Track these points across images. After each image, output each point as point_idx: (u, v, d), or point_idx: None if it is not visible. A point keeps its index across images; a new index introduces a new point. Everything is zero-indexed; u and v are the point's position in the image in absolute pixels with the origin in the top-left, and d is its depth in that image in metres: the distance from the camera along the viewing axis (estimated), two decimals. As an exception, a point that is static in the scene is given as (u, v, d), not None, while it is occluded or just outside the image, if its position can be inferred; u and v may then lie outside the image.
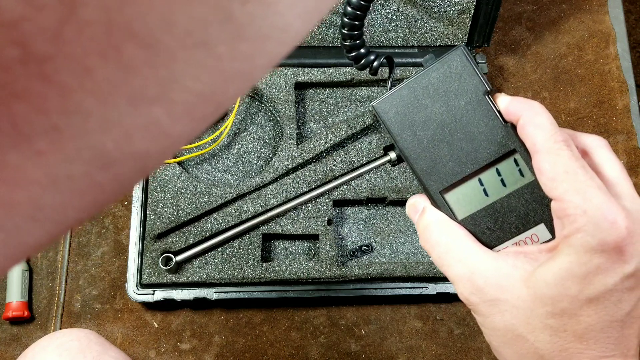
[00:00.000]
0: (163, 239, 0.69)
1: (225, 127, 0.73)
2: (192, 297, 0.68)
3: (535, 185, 0.34)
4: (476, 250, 0.34)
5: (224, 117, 0.75)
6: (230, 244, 0.69)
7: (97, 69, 0.11)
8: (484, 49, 0.84)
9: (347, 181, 0.72)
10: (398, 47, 0.77)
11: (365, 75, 0.76)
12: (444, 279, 0.69)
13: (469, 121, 0.34)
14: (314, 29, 0.75)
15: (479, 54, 0.77)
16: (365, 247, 0.73)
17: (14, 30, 0.10)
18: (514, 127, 0.34)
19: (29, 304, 0.72)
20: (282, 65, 0.76)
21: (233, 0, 0.12)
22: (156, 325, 0.72)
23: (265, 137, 0.77)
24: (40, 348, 0.49)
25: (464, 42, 0.76)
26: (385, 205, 0.75)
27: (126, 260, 0.69)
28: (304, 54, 0.75)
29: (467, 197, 0.35)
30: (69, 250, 0.74)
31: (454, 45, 0.35)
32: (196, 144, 0.73)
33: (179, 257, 0.68)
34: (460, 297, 0.33)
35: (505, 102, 0.34)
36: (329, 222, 0.71)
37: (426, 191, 0.36)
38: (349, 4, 0.36)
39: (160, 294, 0.67)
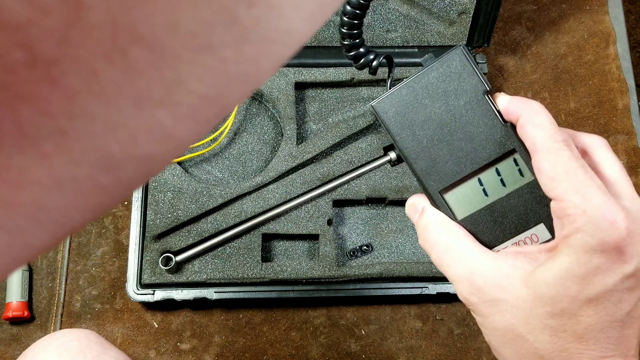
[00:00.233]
0: (163, 239, 0.69)
1: (225, 127, 0.73)
2: (192, 297, 0.68)
3: (534, 185, 0.34)
4: (476, 250, 0.34)
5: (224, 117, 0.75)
6: (230, 244, 0.69)
7: (103, 71, 0.11)
8: (484, 49, 0.84)
9: (347, 181, 0.72)
10: (398, 47, 0.77)
11: (365, 75, 0.76)
12: (444, 279, 0.69)
13: (468, 121, 0.34)
14: (314, 29, 0.74)
15: (479, 54, 0.77)
16: (365, 247, 0.73)
17: (21, 33, 0.10)
18: (513, 126, 0.34)
19: (29, 304, 0.72)
20: (282, 65, 0.76)
21: (238, 3, 0.12)
22: (156, 325, 0.72)
23: (265, 137, 0.77)
24: (40, 348, 0.49)
25: (464, 42, 0.76)
26: (385, 205, 0.75)
27: (126, 260, 0.69)
28: (304, 54, 0.75)
29: (466, 197, 0.35)
30: (69, 250, 0.74)
31: (454, 45, 0.35)
32: (196, 144, 0.73)
33: (179, 257, 0.68)
34: (460, 297, 0.33)
35: (504, 102, 0.34)
36: (329, 222, 0.71)
37: (426, 191, 0.36)
38: (348, 3, 0.36)
39: (160, 294, 0.68)
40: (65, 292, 0.73)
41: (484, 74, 0.76)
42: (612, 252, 0.28)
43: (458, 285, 0.33)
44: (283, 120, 0.74)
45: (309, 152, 0.72)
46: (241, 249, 0.69)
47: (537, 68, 0.85)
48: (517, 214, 0.34)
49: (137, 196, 0.70)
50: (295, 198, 0.71)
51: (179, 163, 0.73)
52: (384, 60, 0.39)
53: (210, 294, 0.68)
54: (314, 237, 0.72)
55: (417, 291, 0.69)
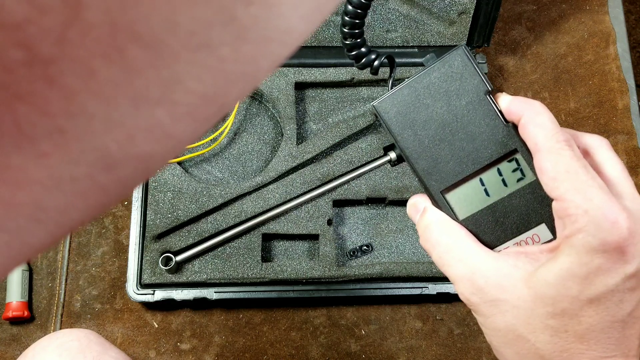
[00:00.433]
0: (163, 239, 0.69)
1: (225, 127, 0.73)
2: (192, 297, 0.68)
3: (536, 185, 0.34)
4: (477, 250, 0.34)
5: (224, 117, 0.75)
6: (230, 244, 0.69)
7: (101, 71, 0.11)
8: (484, 49, 0.84)
9: (347, 181, 0.72)
10: (398, 47, 0.77)
11: (365, 75, 0.76)
12: (444, 279, 0.69)
13: (470, 121, 0.34)
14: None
15: (479, 54, 0.77)
16: (365, 247, 0.73)
17: (19, 32, 0.10)
18: (515, 126, 0.34)
19: (29, 304, 0.72)
20: (282, 65, 0.76)
21: (236, 2, 0.12)
22: (156, 325, 0.72)
23: (265, 137, 0.77)
24: (40, 348, 0.49)
25: (464, 42, 0.76)
26: (385, 205, 0.75)
27: (126, 260, 0.69)
28: (304, 54, 0.75)
29: (468, 197, 0.35)
30: (69, 250, 0.74)
31: (454, 45, 0.35)
32: (196, 144, 0.73)
33: (179, 257, 0.68)
34: (461, 297, 0.33)
35: (506, 102, 0.34)
36: (329, 222, 0.71)
37: (427, 191, 0.36)
38: (350, 2, 0.36)
39: (160, 294, 0.67)
40: (65, 292, 0.73)
41: (485, 74, 0.76)
42: (613, 252, 0.28)
43: (459, 286, 0.33)
44: (283, 120, 0.74)
45: (309, 152, 0.72)
46: (241, 249, 0.69)
47: (537, 68, 0.85)
48: (519, 214, 0.34)
49: (137, 196, 0.70)
50: (295, 198, 0.71)
51: (179, 163, 0.73)
52: (386, 60, 0.39)
53: (210, 294, 0.68)
54: (314, 237, 0.72)
55: (417, 291, 0.69)
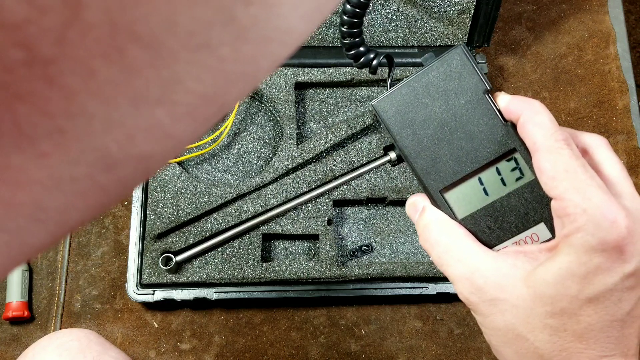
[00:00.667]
0: (163, 239, 0.69)
1: (225, 127, 0.73)
2: (192, 297, 0.68)
3: (535, 185, 0.34)
4: (476, 249, 0.34)
5: (224, 117, 0.75)
6: (230, 244, 0.69)
7: (101, 71, 0.11)
8: (484, 49, 0.84)
9: (347, 181, 0.72)
10: (398, 47, 0.77)
11: (365, 75, 0.76)
12: (444, 279, 0.69)
13: (468, 120, 0.34)
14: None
15: (479, 54, 0.77)
16: (365, 247, 0.73)
17: (19, 32, 0.10)
18: (514, 126, 0.34)
19: (29, 304, 0.72)
20: (282, 65, 0.76)
21: (236, 2, 0.12)
22: (156, 325, 0.72)
23: (265, 137, 0.77)
24: (40, 348, 0.49)
25: (464, 42, 0.76)
26: (385, 205, 0.75)
27: (126, 260, 0.69)
28: (304, 54, 0.75)
29: (467, 197, 0.35)
30: (69, 250, 0.74)
31: (455, 45, 0.35)
32: (196, 144, 0.73)
33: (179, 257, 0.68)
34: (460, 296, 0.33)
35: (505, 101, 0.34)
36: (329, 222, 0.71)
37: (426, 190, 0.36)
38: (348, 2, 0.36)
39: (160, 294, 0.68)
40: (65, 292, 0.73)
41: (484, 73, 0.76)
42: (612, 251, 0.28)
43: (458, 285, 0.33)
44: (283, 120, 0.74)
45: (309, 152, 0.72)
46: (241, 249, 0.69)
47: (537, 68, 0.85)
48: (518, 214, 0.34)
49: (137, 196, 0.70)
50: (295, 198, 0.71)
51: (179, 163, 0.73)
52: (384, 60, 0.39)
53: (210, 294, 0.68)
54: (314, 237, 0.72)
55: (417, 291, 0.69)
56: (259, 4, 0.12)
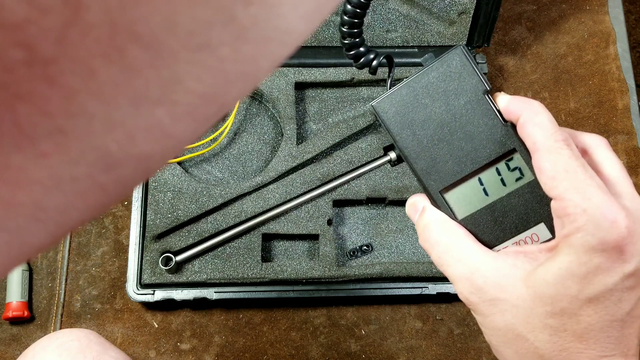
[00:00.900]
0: (163, 239, 0.69)
1: (225, 127, 0.73)
2: (192, 297, 0.68)
3: (535, 185, 0.34)
4: (476, 249, 0.34)
5: (224, 117, 0.75)
6: (230, 244, 0.69)
7: (101, 71, 0.11)
8: (484, 49, 0.84)
9: (347, 181, 0.72)
10: (398, 47, 0.77)
11: (365, 75, 0.76)
12: (444, 279, 0.69)
13: (468, 120, 0.34)
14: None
15: (479, 54, 0.77)
16: (365, 247, 0.73)
17: (19, 32, 0.10)
18: (513, 126, 0.34)
19: (29, 304, 0.72)
20: (282, 65, 0.76)
21: (236, 2, 0.12)
22: (156, 325, 0.72)
23: (265, 137, 0.77)
24: (40, 348, 0.49)
25: (464, 42, 0.76)
26: (385, 205, 0.75)
27: (126, 260, 0.69)
28: (304, 54, 0.75)
29: (467, 197, 0.35)
30: (69, 250, 0.74)
31: (454, 45, 0.35)
32: (196, 144, 0.73)
33: (179, 257, 0.68)
34: (460, 296, 0.33)
35: (505, 101, 0.34)
36: (329, 222, 0.71)
37: (426, 191, 0.36)
38: (349, 2, 0.36)
39: (160, 294, 0.68)
40: (65, 292, 0.73)
41: (484, 74, 0.76)
42: (612, 251, 0.28)
43: (458, 285, 0.33)
44: (283, 120, 0.74)
45: (309, 152, 0.72)
46: (241, 249, 0.69)
47: (537, 68, 0.85)
48: (518, 214, 0.34)
49: (137, 196, 0.70)
50: (295, 198, 0.71)
51: (179, 163, 0.73)
52: (384, 60, 0.39)
53: (210, 294, 0.68)
54: (314, 237, 0.72)
55: (417, 291, 0.69)
56: (259, 4, 0.12)
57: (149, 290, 0.68)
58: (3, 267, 0.14)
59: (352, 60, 0.39)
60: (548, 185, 0.30)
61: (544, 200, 0.33)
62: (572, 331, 0.30)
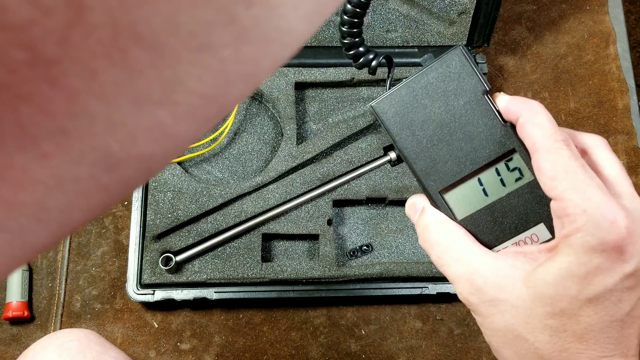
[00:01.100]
0: (163, 239, 0.69)
1: (225, 127, 0.73)
2: (192, 297, 0.68)
3: (534, 185, 0.34)
4: (475, 250, 0.34)
5: (224, 117, 0.75)
6: (230, 244, 0.69)
7: (103, 71, 0.11)
8: (484, 49, 0.84)
9: (347, 181, 0.72)
10: (398, 47, 0.77)
11: (365, 75, 0.76)
12: (444, 279, 0.69)
13: (468, 121, 0.34)
14: (314, 29, 0.75)
15: (479, 54, 0.77)
16: (365, 247, 0.73)
17: (22, 33, 0.10)
18: (513, 126, 0.34)
19: (29, 304, 0.72)
20: (282, 65, 0.76)
21: (237, 3, 0.12)
22: (156, 325, 0.72)
23: (265, 137, 0.77)
24: (40, 348, 0.49)
25: (464, 42, 0.76)
26: (385, 205, 0.75)
27: (126, 260, 0.69)
28: (304, 54, 0.75)
29: (466, 197, 0.35)
30: (69, 250, 0.74)
31: (454, 45, 0.35)
32: (196, 144, 0.73)
33: (179, 257, 0.68)
34: (460, 297, 0.33)
35: (504, 102, 0.34)
36: (329, 222, 0.71)
37: (425, 191, 0.36)
38: (349, 2, 0.36)
39: (160, 294, 0.68)
40: (65, 292, 0.73)
41: (484, 74, 0.76)
42: (612, 251, 0.28)
43: (458, 285, 0.33)
44: (283, 120, 0.74)
45: (309, 152, 0.72)
46: (241, 249, 0.69)
47: (537, 68, 0.85)
48: (517, 214, 0.34)
49: (137, 196, 0.70)
50: (295, 198, 0.71)
51: (179, 163, 0.73)
52: (384, 60, 0.39)
53: (210, 294, 0.68)
54: (314, 237, 0.72)
55: (417, 291, 0.69)
56: (260, 5, 0.12)
57: (149, 290, 0.68)
58: (5, 268, 0.14)
59: (351, 60, 0.39)
60: (548, 186, 0.30)
61: (544, 201, 0.33)
62: (572, 332, 0.30)
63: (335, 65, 0.76)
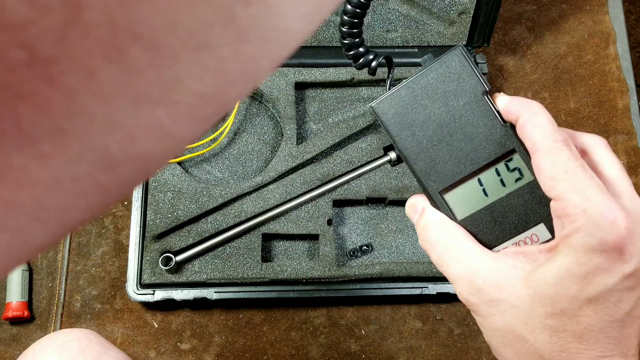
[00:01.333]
0: (163, 239, 0.69)
1: (225, 127, 0.73)
2: (192, 297, 0.68)
3: (534, 185, 0.34)
4: (475, 250, 0.34)
5: (224, 117, 0.75)
6: (230, 244, 0.69)
7: (102, 71, 0.11)
8: (484, 49, 0.84)
9: (347, 181, 0.72)
10: (398, 47, 0.77)
11: (365, 75, 0.76)
12: (444, 279, 0.69)
13: (468, 121, 0.34)
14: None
15: (479, 54, 0.77)
16: (365, 247, 0.73)
17: (20, 32, 0.10)
18: (513, 127, 0.34)
19: (29, 304, 0.72)
20: (282, 65, 0.76)
21: (236, 2, 0.12)
22: (156, 325, 0.72)
23: (265, 137, 0.77)
24: (40, 348, 0.49)
25: (464, 42, 0.76)
26: (385, 205, 0.75)
27: (126, 260, 0.69)
28: (304, 54, 0.75)
29: (466, 198, 0.35)
30: (69, 250, 0.74)
31: (453, 46, 0.35)
32: (196, 144, 0.73)
33: (179, 257, 0.68)
34: (460, 297, 0.33)
35: (504, 102, 0.34)
36: (329, 222, 0.71)
37: (425, 191, 0.36)
38: (349, 2, 0.36)
39: (160, 294, 0.68)
40: (65, 292, 0.73)
41: (484, 74, 0.76)
42: (612, 251, 0.28)
43: (458, 286, 0.33)
44: (283, 120, 0.74)
45: (309, 152, 0.72)
46: (241, 249, 0.69)
47: (537, 68, 0.85)
48: (517, 214, 0.34)
49: (137, 196, 0.70)
50: (295, 198, 0.71)
51: (179, 163, 0.73)
52: (384, 61, 0.39)
53: (210, 294, 0.68)
54: (314, 237, 0.72)
55: (417, 291, 0.69)
56: (259, 4, 0.12)
57: (149, 290, 0.68)
58: (4, 267, 0.14)
59: (351, 61, 0.39)
60: (547, 186, 0.30)
61: (544, 201, 0.33)
62: (572, 332, 0.30)
63: (335, 65, 0.76)
